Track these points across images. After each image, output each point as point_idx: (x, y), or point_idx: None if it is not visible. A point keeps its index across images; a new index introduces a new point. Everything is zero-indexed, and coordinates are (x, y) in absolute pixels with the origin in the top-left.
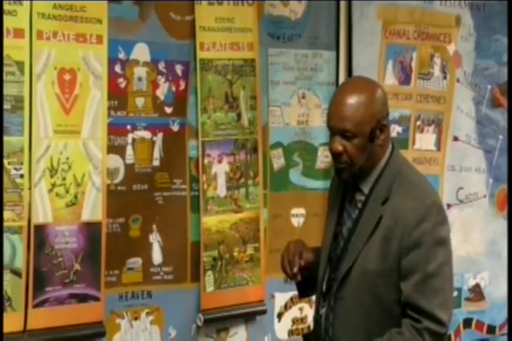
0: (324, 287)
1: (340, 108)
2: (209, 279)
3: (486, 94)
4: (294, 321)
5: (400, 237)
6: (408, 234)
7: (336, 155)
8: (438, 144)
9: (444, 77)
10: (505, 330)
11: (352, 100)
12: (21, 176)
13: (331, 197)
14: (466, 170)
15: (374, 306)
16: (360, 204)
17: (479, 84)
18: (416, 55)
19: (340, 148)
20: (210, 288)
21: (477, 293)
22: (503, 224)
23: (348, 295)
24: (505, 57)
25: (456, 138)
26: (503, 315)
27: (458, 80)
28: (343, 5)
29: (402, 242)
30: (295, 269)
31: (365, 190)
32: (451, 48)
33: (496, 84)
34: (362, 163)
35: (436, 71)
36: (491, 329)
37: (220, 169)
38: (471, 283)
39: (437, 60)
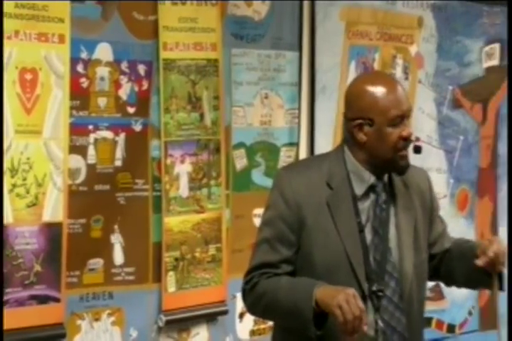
0: (369, 300)
1: (401, 91)
2: (171, 280)
3: (448, 95)
4: (256, 321)
5: (429, 217)
6: (436, 207)
7: (409, 141)
8: None
9: (406, 78)
10: (464, 329)
11: (399, 85)
12: None
13: (319, 205)
14: (428, 170)
15: (423, 291)
16: (383, 204)
17: (441, 85)
18: (378, 56)
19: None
20: (171, 289)
21: (437, 293)
22: (464, 224)
23: (417, 294)
24: (466, 59)
25: (417, 139)
26: (463, 314)
27: (420, 81)
28: (306, 6)
29: (432, 215)
30: (365, 327)
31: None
32: (413, 49)
33: (457, 85)
34: None
35: (399, 72)
36: (451, 328)
37: (183, 169)
38: (431, 282)
39: (399, 61)
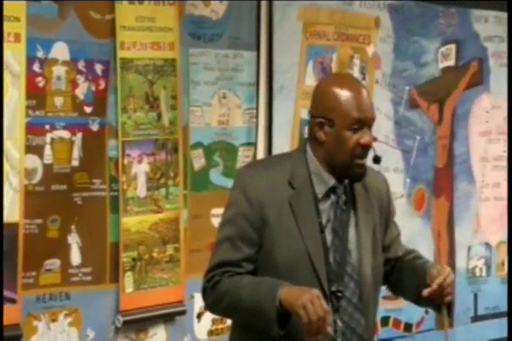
0: (331, 299)
1: (367, 99)
2: (128, 280)
3: (404, 95)
4: (214, 321)
5: (386, 220)
6: (392, 211)
7: (367, 149)
8: None
9: (363, 78)
10: (421, 328)
11: (366, 93)
12: None
13: (283, 204)
14: (385, 170)
15: (378, 294)
16: (343, 206)
17: (397, 86)
18: (336, 56)
19: (372, 141)
20: (129, 289)
21: None
22: (421, 223)
23: (373, 295)
24: (422, 59)
25: (374, 139)
26: (420, 313)
27: (377, 81)
28: (264, 5)
29: (388, 219)
30: (329, 328)
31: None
32: (370, 50)
33: (414, 85)
34: None
35: (356, 72)
36: (408, 327)
37: (140, 169)
38: None
39: (357, 61)
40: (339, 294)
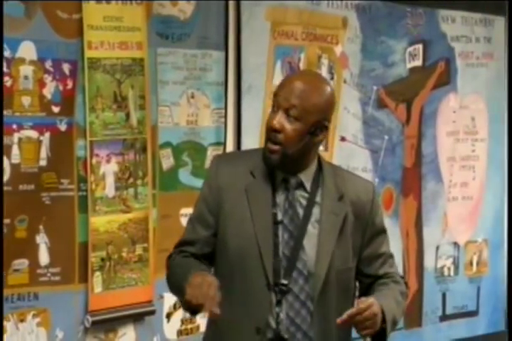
0: (274, 291)
1: (299, 85)
2: (97, 280)
3: (372, 95)
4: (183, 321)
5: (364, 228)
6: (377, 224)
7: (272, 131)
8: (325, 144)
9: (332, 78)
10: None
11: (313, 86)
12: None
13: (240, 193)
14: (353, 169)
15: (346, 301)
16: (304, 201)
17: (365, 85)
18: (304, 56)
19: (279, 125)
20: (98, 289)
21: None
22: (389, 223)
23: (338, 301)
24: (390, 59)
25: (343, 138)
26: None
27: (345, 81)
28: (232, 5)
29: (368, 230)
30: (217, 310)
31: (307, 186)
32: (338, 49)
33: (382, 85)
34: (295, 151)
35: (324, 72)
36: None
37: (109, 169)
38: None
39: (325, 61)
40: (283, 287)
